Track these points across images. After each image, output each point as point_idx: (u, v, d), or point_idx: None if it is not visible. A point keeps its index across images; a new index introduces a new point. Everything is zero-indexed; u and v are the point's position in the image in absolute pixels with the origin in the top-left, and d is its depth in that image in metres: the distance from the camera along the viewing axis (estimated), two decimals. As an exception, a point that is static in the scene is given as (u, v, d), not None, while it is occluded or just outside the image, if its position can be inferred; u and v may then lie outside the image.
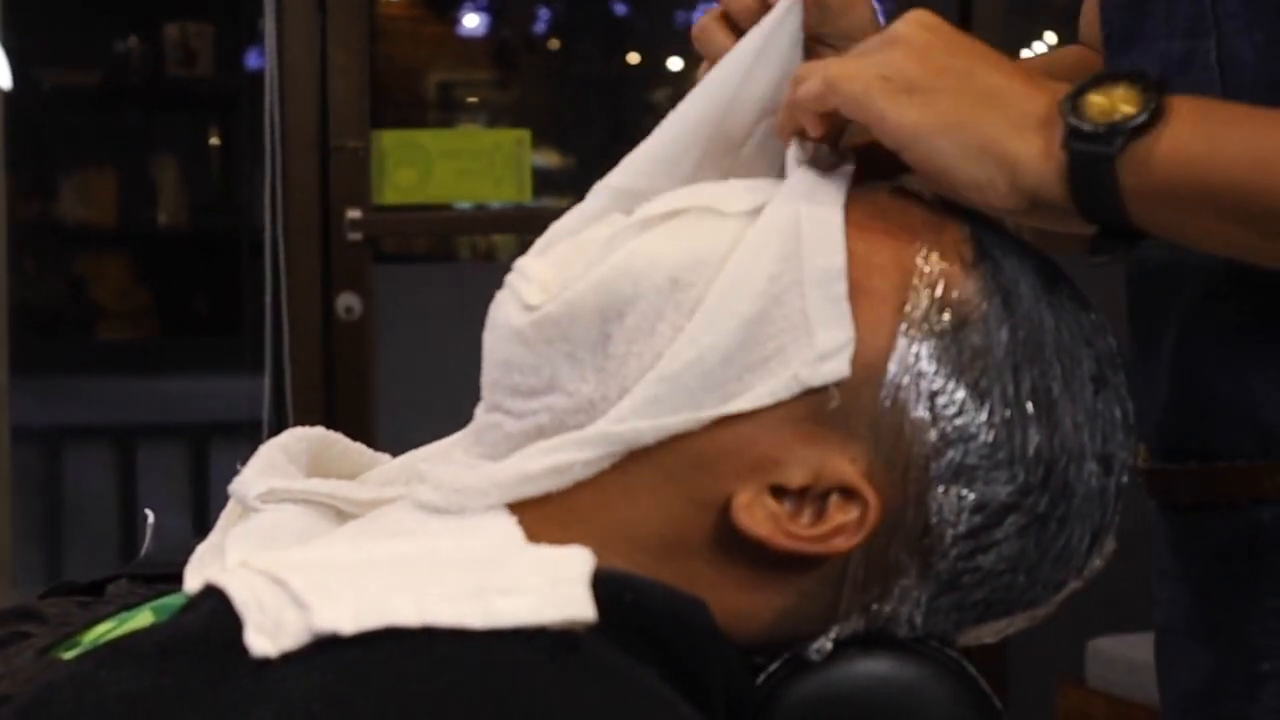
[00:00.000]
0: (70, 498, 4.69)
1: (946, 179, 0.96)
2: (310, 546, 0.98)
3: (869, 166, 1.02)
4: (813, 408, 0.95)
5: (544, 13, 4.82)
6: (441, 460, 1.03)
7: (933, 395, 0.96)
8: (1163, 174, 0.94)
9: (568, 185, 4.41)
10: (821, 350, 0.95)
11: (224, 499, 1.06)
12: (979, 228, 1.01)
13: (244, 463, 1.06)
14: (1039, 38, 4.10)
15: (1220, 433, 1.05)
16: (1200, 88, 1.03)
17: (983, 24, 3.23)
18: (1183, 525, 1.08)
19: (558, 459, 0.96)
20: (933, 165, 0.96)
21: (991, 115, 0.95)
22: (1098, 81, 0.95)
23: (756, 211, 0.99)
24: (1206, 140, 0.94)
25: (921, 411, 0.96)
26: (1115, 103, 0.94)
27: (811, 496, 0.96)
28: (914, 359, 0.96)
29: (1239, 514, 1.05)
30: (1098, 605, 1.15)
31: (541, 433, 0.97)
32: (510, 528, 0.94)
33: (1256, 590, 1.04)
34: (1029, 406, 0.97)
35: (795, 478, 0.95)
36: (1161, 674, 1.14)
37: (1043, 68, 1.29)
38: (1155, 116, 0.93)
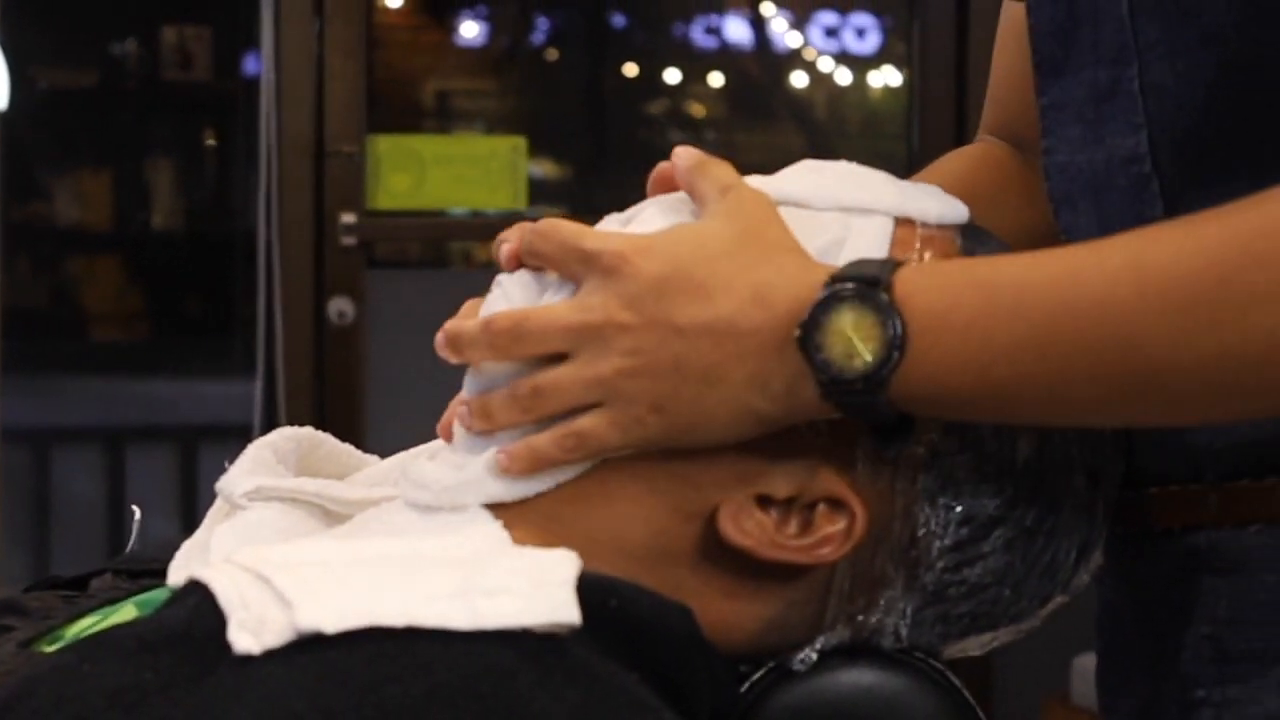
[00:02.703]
0: (59, 499, 4.68)
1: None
2: (296, 544, 0.98)
3: None
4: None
5: (542, 23, 4.81)
6: (427, 459, 1.02)
7: (922, 407, 0.96)
8: (933, 390, 0.90)
9: (563, 194, 4.40)
10: None
11: (213, 502, 1.06)
12: (968, 232, 1.01)
13: (233, 463, 1.06)
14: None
15: (1150, 458, 1.04)
16: (1125, 114, 1.02)
17: (981, 23, 3.23)
18: (1119, 552, 1.07)
19: None
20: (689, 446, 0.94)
21: (715, 394, 0.91)
22: (826, 305, 0.89)
23: None
24: (960, 345, 0.89)
25: (910, 422, 0.96)
26: (854, 341, 0.89)
27: (798, 506, 0.95)
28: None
29: (1173, 540, 1.04)
30: (1083, 622, 1.15)
31: (526, 434, 0.97)
32: (496, 530, 0.94)
33: (1191, 617, 1.02)
34: (1018, 419, 0.97)
35: (782, 488, 0.95)
36: (1102, 701, 1.14)
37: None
38: (903, 348, 0.89)
